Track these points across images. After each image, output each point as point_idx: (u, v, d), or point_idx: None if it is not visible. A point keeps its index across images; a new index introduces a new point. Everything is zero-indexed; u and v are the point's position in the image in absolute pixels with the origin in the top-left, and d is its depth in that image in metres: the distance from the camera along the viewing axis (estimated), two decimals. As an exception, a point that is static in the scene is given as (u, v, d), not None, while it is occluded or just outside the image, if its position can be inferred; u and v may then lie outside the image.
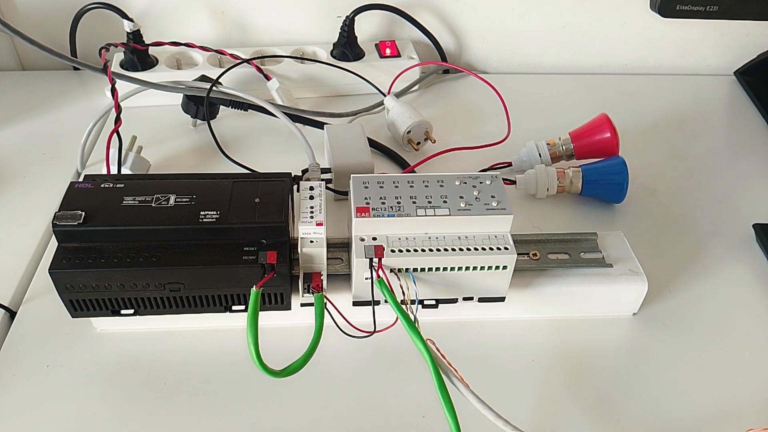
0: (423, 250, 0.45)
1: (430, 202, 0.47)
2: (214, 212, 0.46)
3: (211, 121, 0.67)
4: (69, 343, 0.49)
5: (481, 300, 0.49)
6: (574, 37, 0.83)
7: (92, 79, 0.78)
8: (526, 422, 0.41)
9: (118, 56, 0.75)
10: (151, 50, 0.75)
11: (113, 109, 0.58)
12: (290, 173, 0.51)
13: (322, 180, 0.52)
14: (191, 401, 0.46)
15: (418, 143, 0.68)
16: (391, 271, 0.45)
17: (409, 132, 0.67)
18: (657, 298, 0.54)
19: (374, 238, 0.46)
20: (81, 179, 0.49)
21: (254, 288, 0.43)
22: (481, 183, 0.48)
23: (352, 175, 0.49)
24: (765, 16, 0.63)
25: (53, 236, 0.45)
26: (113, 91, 0.57)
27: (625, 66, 0.85)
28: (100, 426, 0.45)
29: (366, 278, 0.45)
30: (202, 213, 0.46)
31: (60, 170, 0.66)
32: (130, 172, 0.61)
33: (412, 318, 0.43)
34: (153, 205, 0.46)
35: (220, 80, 0.69)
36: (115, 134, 0.58)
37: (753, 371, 0.50)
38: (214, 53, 0.76)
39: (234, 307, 0.48)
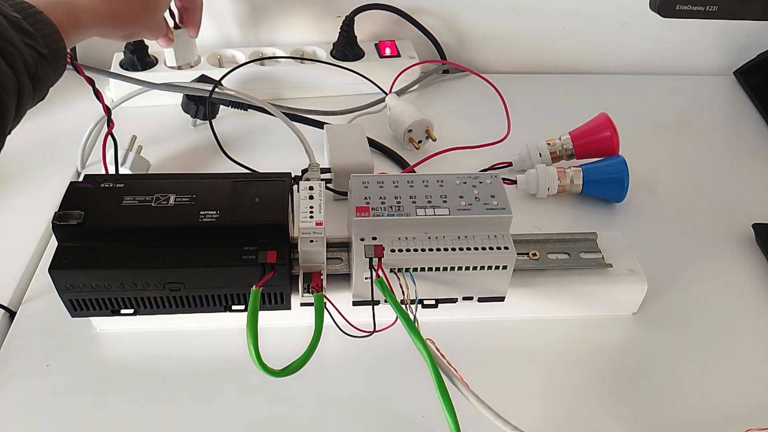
0: (423, 250, 0.45)
1: (429, 202, 0.47)
2: (214, 212, 0.46)
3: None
4: (69, 343, 0.49)
5: (480, 300, 0.49)
6: (574, 37, 0.83)
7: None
8: (526, 422, 0.41)
9: (118, 56, 0.75)
10: (151, 50, 0.75)
11: (113, 110, 0.58)
12: (290, 173, 0.51)
13: (322, 180, 0.51)
14: (191, 401, 0.46)
15: (419, 141, 0.68)
16: (391, 270, 0.45)
17: (410, 130, 0.67)
18: (657, 298, 0.54)
19: (374, 238, 0.46)
20: (81, 179, 0.49)
21: (254, 288, 0.43)
22: (481, 183, 0.48)
23: (351, 175, 0.49)
24: (765, 16, 0.63)
25: (53, 236, 0.45)
26: (97, 93, 0.54)
27: (625, 66, 0.85)
28: (100, 426, 0.45)
29: (366, 278, 0.45)
30: (201, 213, 0.46)
31: (60, 170, 0.66)
32: (129, 172, 0.61)
33: (412, 318, 0.43)
34: (153, 204, 0.46)
35: (220, 81, 0.69)
36: (110, 137, 0.57)
37: (753, 371, 0.50)
38: (214, 53, 0.76)
39: (234, 307, 0.48)
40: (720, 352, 0.51)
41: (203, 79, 0.69)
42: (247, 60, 0.75)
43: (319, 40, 0.80)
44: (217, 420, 0.45)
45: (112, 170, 0.59)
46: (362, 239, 0.46)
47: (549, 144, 0.65)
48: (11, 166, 0.66)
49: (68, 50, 0.44)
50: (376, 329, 0.45)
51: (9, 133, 0.42)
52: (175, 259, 0.45)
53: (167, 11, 0.65)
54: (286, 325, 0.49)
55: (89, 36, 0.49)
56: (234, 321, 0.47)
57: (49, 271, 0.44)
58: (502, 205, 0.47)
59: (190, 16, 0.68)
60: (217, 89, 0.67)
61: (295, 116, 0.69)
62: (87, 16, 0.47)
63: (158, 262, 0.44)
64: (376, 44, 0.80)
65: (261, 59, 0.76)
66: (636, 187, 0.64)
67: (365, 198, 0.47)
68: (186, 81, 0.69)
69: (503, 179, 0.50)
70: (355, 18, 0.76)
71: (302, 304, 0.47)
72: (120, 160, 0.60)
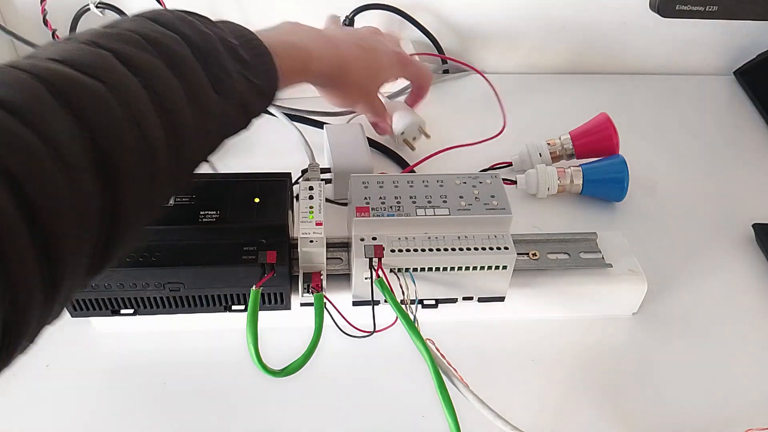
0: (423, 250, 0.45)
1: (429, 202, 0.47)
2: (214, 212, 0.46)
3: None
4: (69, 343, 0.49)
5: (480, 300, 0.49)
6: (574, 37, 0.83)
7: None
8: (526, 422, 0.41)
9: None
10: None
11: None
12: (290, 173, 0.51)
13: (322, 180, 0.52)
14: (191, 401, 0.46)
15: (414, 139, 0.68)
16: (391, 270, 0.45)
17: (402, 133, 0.67)
18: (657, 298, 0.54)
19: (374, 238, 0.46)
20: (81, 179, 0.49)
21: (254, 288, 0.43)
22: (480, 183, 0.48)
23: (351, 175, 0.49)
24: (765, 16, 0.63)
25: (53, 236, 0.45)
26: None
27: (625, 66, 0.85)
28: (100, 426, 0.45)
29: (366, 278, 0.45)
30: (201, 213, 0.46)
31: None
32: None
33: (412, 318, 0.43)
34: (153, 205, 0.46)
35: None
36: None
37: (753, 371, 0.50)
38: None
39: (234, 307, 0.48)
40: (720, 352, 0.51)
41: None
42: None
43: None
44: (217, 420, 0.45)
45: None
46: (362, 239, 0.46)
47: (549, 144, 0.65)
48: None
49: (282, 89, 0.44)
50: (376, 329, 0.45)
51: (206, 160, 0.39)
52: (175, 259, 0.45)
53: None
54: (286, 325, 0.49)
55: (307, 82, 0.49)
56: (234, 321, 0.47)
57: (49, 271, 0.44)
58: (502, 205, 0.47)
59: (417, 92, 0.67)
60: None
61: (295, 116, 0.69)
62: (316, 63, 0.48)
63: (158, 262, 0.44)
64: (376, 44, 0.80)
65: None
66: (636, 187, 0.64)
67: (365, 198, 0.47)
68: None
69: (503, 179, 0.50)
70: (355, 18, 0.76)
71: (302, 304, 0.47)
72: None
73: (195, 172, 0.38)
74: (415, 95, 0.67)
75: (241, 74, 0.39)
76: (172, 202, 0.47)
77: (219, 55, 0.37)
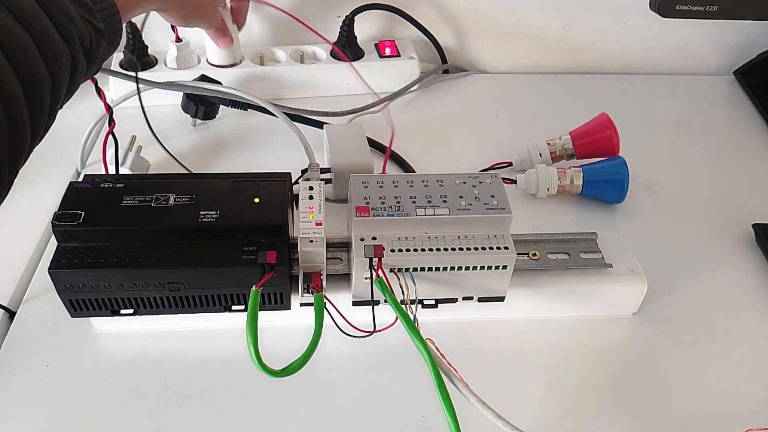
0: (423, 250, 0.45)
1: (429, 202, 0.47)
2: (214, 212, 0.46)
3: (210, 121, 0.67)
4: (69, 343, 0.49)
5: (480, 300, 0.49)
6: (574, 37, 0.83)
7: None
8: (526, 422, 0.41)
9: (118, 56, 0.75)
10: (151, 50, 0.75)
11: (113, 109, 0.58)
12: (290, 173, 0.51)
13: (322, 180, 0.51)
14: (191, 401, 0.46)
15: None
16: (391, 270, 0.45)
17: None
18: (657, 298, 0.54)
19: (374, 238, 0.46)
20: (81, 179, 0.49)
21: (254, 288, 0.43)
22: (480, 183, 0.48)
23: (351, 175, 0.49)
24: (765, 16, 0.63)
25: (53, 236, 0.45)
26: (98, 91, 0.55)
27: (625, 66, 0.85)
28: (100, 426, 0.45)
29: (366, 278, 0.45)
30: (201, 213, 0.46)
31: (60, 170, 0.66)
32: (129, 172, 0.61)
33: (412, 318, 0.43)
34: (153, 205, 0.46)
35: (219, 80, 0.69)
36: (110, 136, 0.57)
37: (753, 371, 0.50)
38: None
39: (234, 307, 0.48)
40: (720, 352, 0.51)
41: (203, 79, 0.69)
42: (247, 60, 0.74)
43: (319, 40, 0.80)
44: (217, 420, 0.45)
45: (112, 170, 0.59)
46: (362, 239, 0.46)
47: (549, 144, 0.65)
48: (11, 166, 0.66)
49: (124, 24, 0.44)
50: (376, 329, 0.45)
51: (60, 107, 0.40)
52: (175, 259, 0.45)
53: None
54: (286, 325, 0.49)
55: (146, 10, 0.48)
56: (234, 321, 0.47)
57: (48, 271, 0.44)
58: (502, 204, 0.47)
59: (239, 12, 0.69)
60: (217, 89, 0.67)
61: (295, 116, 0.69)
62: None
63: (158, 262, 0.44)
64: (376, 44, 0.80)
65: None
66: (636, 187, 0.64)
67: (365, 198, 0.47)
68: (186, 80, 0.69)
69: (503, 179, 0.50)
70: (355, 18, 0.76)
71: (302, 304, 0.47)
72: (120, 160, 0.60)
73: (51, 119, 0.39)
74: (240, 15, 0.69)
75: (85, 20, 0.40)
76: (172, 201, 0.47)
77: (62, 3, 0.38)
